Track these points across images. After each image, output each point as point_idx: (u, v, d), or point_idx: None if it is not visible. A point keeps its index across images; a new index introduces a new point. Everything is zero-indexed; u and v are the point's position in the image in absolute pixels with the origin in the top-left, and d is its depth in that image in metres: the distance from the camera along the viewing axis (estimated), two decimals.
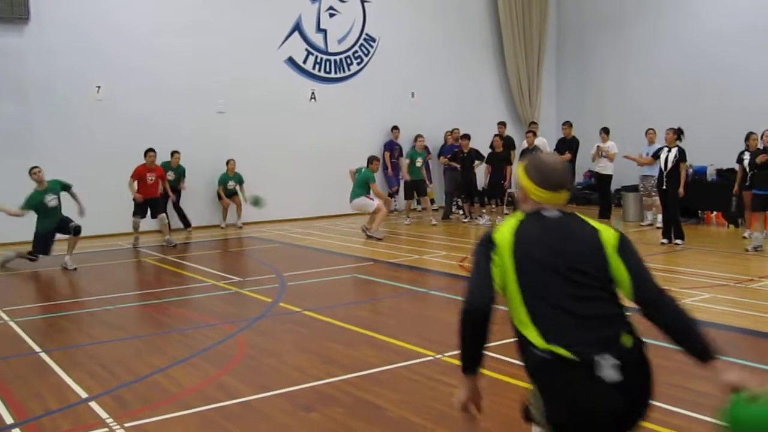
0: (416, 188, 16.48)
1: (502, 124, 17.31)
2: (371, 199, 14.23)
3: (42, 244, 11.63)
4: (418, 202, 18.14)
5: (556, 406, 2.71)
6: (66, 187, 11.91)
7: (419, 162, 16.40)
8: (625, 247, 2.84)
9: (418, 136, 16.97)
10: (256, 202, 15.06)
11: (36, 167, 11.80)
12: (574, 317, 2.66)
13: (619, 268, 2.78)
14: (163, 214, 13.92)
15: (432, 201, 19.02)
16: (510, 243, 2.81)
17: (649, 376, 2.70)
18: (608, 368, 2.57)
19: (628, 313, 2.77)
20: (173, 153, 15.57)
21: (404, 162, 16.78)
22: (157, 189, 13.91)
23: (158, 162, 14.33)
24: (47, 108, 14.55)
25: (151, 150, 13.77)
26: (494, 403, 5.06)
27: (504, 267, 2.79)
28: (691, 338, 2.67)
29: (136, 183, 13.58)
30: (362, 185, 14.25)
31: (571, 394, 2.63)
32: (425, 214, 17.07)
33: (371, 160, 14.55)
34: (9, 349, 6.94)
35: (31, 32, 14.38)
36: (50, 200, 11.63)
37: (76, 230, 11.77)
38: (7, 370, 6.19)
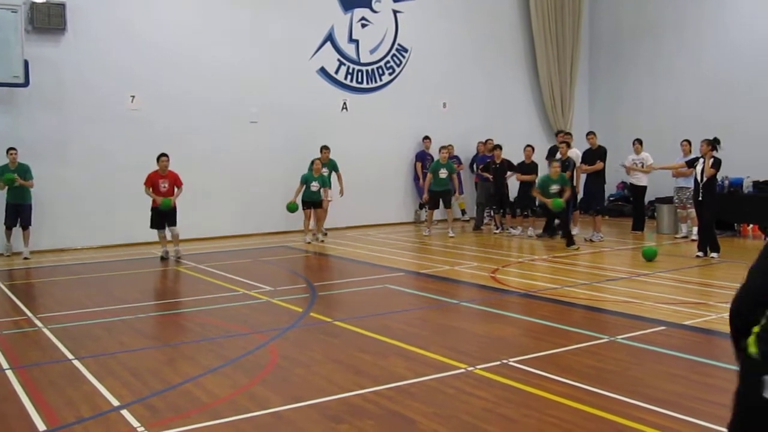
0: (442, 198, 16.22)
1: (592, 134, 15.85)
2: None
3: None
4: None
5: None
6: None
7: (443, 173, 16.08)
8: None
9: (442, 147, 16.63)
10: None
11: (13, 149, 13.50)
12: None
13: None
14: (174, 228, 13.41)
15: (463, 212, 18.98)
16: None
17: None
18: None
19: None
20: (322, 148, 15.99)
21: (428, 177, 16.32)
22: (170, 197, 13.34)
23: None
24: (81, 117, 14.71)
25: (163, 155, 13.27)
26: (527, 418, 5.00)
27: None
28: None
29: (151, 190, 13.24)
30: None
31: None
32: (445, 225, 16.81)
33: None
34: (42, 355, 7.00)
35: (67, 43, 14.57)
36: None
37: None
38: (40, 377, 6.24)
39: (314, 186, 15.26)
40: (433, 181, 16.08)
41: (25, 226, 13.65)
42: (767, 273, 2.46)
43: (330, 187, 16.01)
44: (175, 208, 13.33)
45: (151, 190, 13.19)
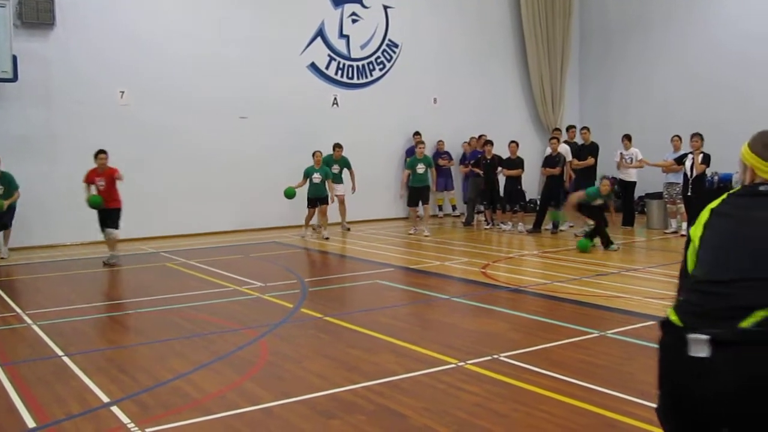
0: (419, 195, 15.72)
1: (586, 129, 16.06)
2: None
3: None
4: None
5: None
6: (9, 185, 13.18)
7: (421, 168, 15.60)
8: None
9: (420, 143, 16.26)
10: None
11: None
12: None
13: None
14: (111, 230, 12.24)
15: (454, 207, 18.99)
16: (706, 218, 2.72)
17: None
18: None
19: None
20: (335, 146, 15.95)
21: (404, 173, 16.03)
22: (108, 196, 12.13)
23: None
24: (70, 112, 14.65)
25: (101, 152, 12.24)
26: (518, 413, 5.01)
27: (694, 244, 2.71)
28: None
29: (92, 188, 12.21)
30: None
31: None
32: (434, 221, 16.67)
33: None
34: (31, 352, 6.97)
35: (56, 37, 14.50)
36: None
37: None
38: (29, 374, 6.20)
39: (316, 178, 15.08)
40: (411, 177, 15.72)
41: (6, 225, 13.37)
42: (682, 270, 2.80)
43: (342, 182, 16.11)
44: (118, 210, 12.30)
45: (90, 188, 12.22)
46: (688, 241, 2.76)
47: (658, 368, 2.60)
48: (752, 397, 2.32)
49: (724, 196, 2.77)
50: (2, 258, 13.28)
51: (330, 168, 15.81)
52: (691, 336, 2.39)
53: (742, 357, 2.32)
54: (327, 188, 15.25)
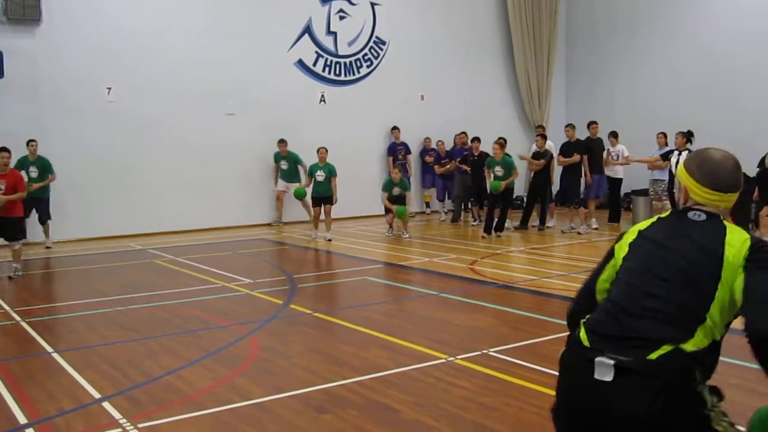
0: (397, 201, 14.82)
1: (570, 126, 15.48)
2: None
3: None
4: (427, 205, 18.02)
5: None
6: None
7: (396, 191, 14.79)
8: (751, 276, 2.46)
9: (394, 170, 15.41)
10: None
11: (33, 141, 13.60)
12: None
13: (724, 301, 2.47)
14: (16, 242, 10.71)
15: (427, 204, 18.98)
16: (632, 238, 2.78)
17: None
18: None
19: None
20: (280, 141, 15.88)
21: (383, 195, 15.02)
22: (8, 202, 10.40)
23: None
24: (57, 109, 14.58)
25: (2, 149, 10.55)
26: (508, 407, 5.06)
27: (616, 260, 2.79)
28: None
29: None
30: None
31: None
32: (423, 218, 16.72)
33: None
34: (21, 349, 6.97)
35: (42, 34, 14.43)
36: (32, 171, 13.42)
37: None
38: (19, 370, 6.21)
39: (320, 176, 14.46)
40: (388, 198, 14.83)
41: (44, 220, 13.72)
42: (592, 280, 2.88)
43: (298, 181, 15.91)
44: (21, 219, 10.87)
45: None
46: (610, 255, 2.82)
47: (558, 379, 2.65)
48: (645, 425, 2.37)
49: (654, 218, 2.81)
50: (47, 248, 13.71)
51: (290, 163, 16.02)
52: (599, 359, 2.44)
53: (643, 386, 2.37)
54: (332, 187, 14.56)
